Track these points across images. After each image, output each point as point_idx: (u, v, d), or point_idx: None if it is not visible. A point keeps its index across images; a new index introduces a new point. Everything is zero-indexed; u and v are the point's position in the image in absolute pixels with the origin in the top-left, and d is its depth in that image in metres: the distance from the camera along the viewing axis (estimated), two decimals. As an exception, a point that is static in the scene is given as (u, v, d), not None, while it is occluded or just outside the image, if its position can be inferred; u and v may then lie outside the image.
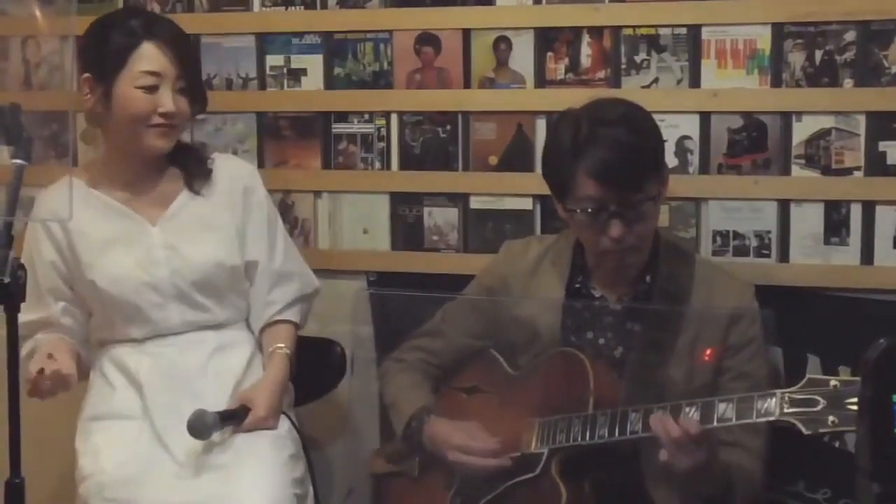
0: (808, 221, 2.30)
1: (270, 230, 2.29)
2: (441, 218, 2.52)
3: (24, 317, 1.81)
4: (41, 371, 1.98)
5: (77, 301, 2.23)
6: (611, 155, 1.94)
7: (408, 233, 2.57)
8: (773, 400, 1.76)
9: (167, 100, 2.13)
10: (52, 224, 2.14)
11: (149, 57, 2.13)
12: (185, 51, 2.19)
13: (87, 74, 2.16)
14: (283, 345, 2.26)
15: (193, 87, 2.19)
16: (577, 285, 2.10)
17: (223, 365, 2.22)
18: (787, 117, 2.29)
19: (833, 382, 1.74)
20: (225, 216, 2.25)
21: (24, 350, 2.11)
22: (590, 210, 1.97)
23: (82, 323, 2.25)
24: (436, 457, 2.09)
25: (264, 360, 2.26)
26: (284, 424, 2.19)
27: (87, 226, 2.17)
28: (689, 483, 1.91)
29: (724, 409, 1.80)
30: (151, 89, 2.14)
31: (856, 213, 2.28)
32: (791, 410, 1.74)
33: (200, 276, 2.19)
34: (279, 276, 2.28)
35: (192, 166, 2.25)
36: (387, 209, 2.55)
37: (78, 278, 2.20)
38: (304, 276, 2.33)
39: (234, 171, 2.29)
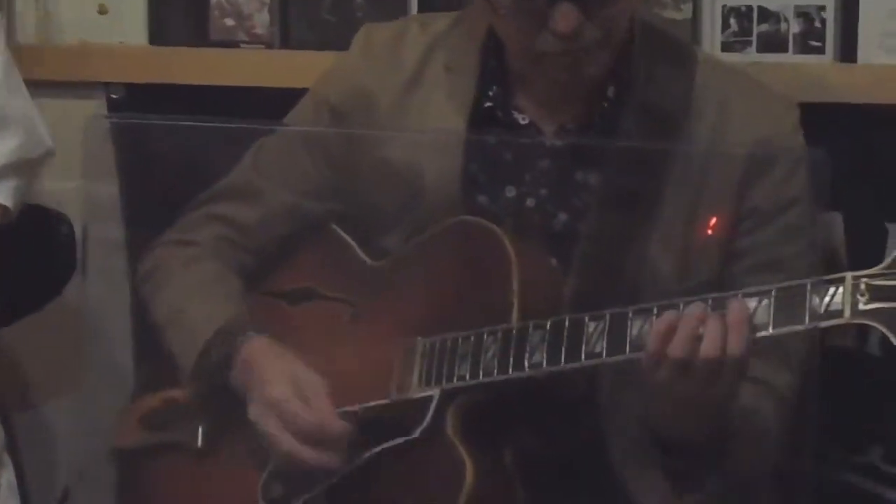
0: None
1: None
2: (241, -14, 2.41)
3: None
4: None
5: None
6: None
7: (181, 14, 2.41)
8: (839, 290, 1.62)
9: None
10: None
11: None
12: None
13: None
14: None
15: None
16: (490, 104, 1.93)
17: None
18: None
19: None
20: None
21: None
22: None
23: None
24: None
25: None
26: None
27: None
28: (697, 423, 1.77)
29: (755, 309, 1.66)
30: None
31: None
32: (871, 307, 1.60)
33: None
34: None
35: None
36: (142, -30, 2.42)
37: None
38: (31, 130, 2.15)
39: None
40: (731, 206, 1.87)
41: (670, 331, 1.68)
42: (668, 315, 1.69)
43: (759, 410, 1.85)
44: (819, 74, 2.21)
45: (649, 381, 1.73)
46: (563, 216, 1.88)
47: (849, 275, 1.60)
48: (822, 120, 1.97)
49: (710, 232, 1.87)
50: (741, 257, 1.88)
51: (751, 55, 2.22)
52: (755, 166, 1.87)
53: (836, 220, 2.18)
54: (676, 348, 1.65)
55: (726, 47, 2.24)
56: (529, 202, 1.90)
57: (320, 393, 1.87)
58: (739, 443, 1.83)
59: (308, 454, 1.83)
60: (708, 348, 1.66)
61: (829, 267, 1.87)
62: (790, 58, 2.22)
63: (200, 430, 1.95)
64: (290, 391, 1.87)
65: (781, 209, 1.88)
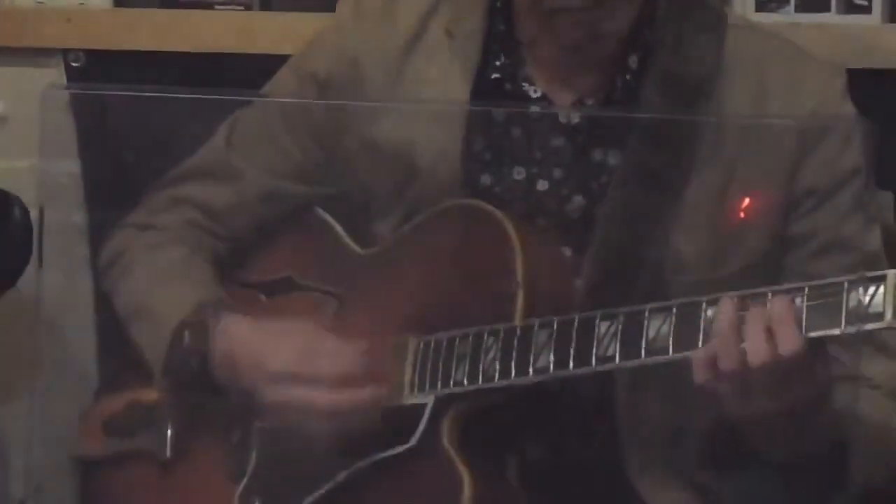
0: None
1: None
2: (217, -62, 2.49)
3: None
4: None
5: None
6: None
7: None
8: (879, 290, 1.58)
9: None
10: None
11: None
12: None
13: None
14: None
15: None
16: (497, 76, 1.88)
17: None
18: None
19: None
20: None
21: None
22: None
23: None
24: (224, 407, 1.88)
25: None
26: None
27: None
28: (770, 438, 1.73)
29: None
30: None
31: None
32: None
33: None
34: None
35: None
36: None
37: None
38: None
39: None
40: (780, 186, 1.80)
41: (711, 355, 1.62)
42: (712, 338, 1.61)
43: (862, 412, 1.79)
44: (865, 37, 2.19)
45: (726, 410, 1.67)
46: (578, 200, 1.81)
47: (891, 272, 1.55)
48: (869, 88, 1.94)
49: (746, 214, 1.81)
50: (804, 242, 1.82)
51: (788, 15, 2.19)
52: (804, 142, 1.80)
53: (887, 200, 2.15)
54: (724, 363, 1.60)
55: (761, 6, 2.21)
56: (541, 185, 1.83)
57: (323, 335, 1.83)
58: (855, 455, 1.77)
59: (355, 395, 1.79)
60: (755, 355, 1.60)
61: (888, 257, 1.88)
62: (833, 18, 2.20)
63: (169, 437, 1.90)
64: (294, 351, 1.83)
65: (840, 185, 1.82)
